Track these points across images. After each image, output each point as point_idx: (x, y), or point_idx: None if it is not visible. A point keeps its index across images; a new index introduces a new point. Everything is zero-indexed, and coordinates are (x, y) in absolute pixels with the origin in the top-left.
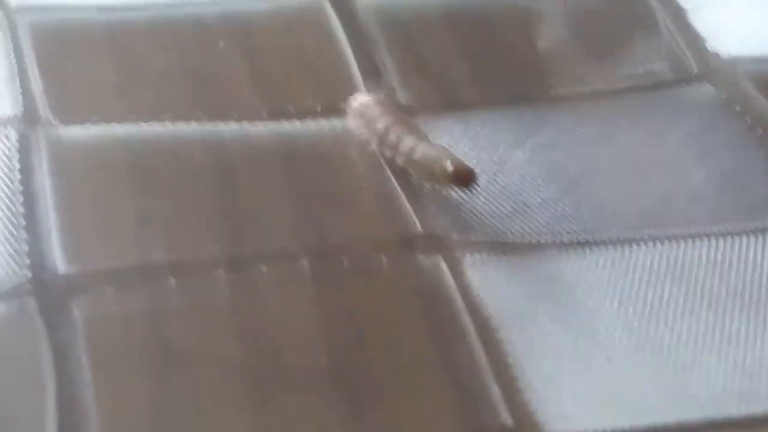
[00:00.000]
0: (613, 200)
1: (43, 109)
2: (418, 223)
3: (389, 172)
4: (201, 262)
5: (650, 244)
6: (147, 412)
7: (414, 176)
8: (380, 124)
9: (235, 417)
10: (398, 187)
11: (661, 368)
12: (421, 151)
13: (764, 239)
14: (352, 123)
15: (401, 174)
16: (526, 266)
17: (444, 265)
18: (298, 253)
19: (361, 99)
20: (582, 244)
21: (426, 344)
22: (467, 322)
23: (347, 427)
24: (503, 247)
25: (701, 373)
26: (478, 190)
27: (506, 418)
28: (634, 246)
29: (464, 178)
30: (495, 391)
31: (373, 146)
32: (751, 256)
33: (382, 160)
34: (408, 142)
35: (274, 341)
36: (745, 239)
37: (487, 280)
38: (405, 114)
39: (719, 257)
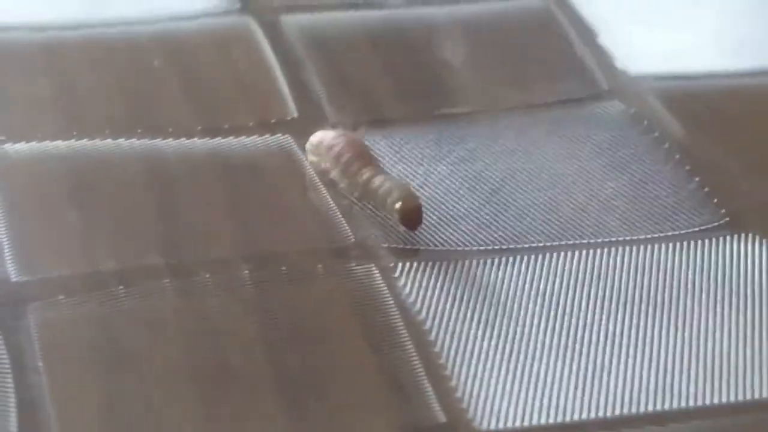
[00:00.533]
0: (532, 210)
1: None
2: (350, 233)
3: (322, 186)
4: (146, 270)
5: (568, 252)
6: (101, 413)
7: (372, 206)
8: (342, 158)
9: (185, 415)
10: (330, 200)
11: (583, 368)
12: (385, 186)
13: (673, 246)
14: (311, 158)
15: (332, 187)
16: (454, 273)
17: (377, 273)
18: (238, 261)
19: (321, 135)
20: (504, 251)
21: (362, 347)
22: (400, 325)
23: (292, 425)
24: (431, 255)
25: (619, 372)
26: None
27: (440, 416)
28: (554, 254)
29: (410, 218)
30: (428, 391)
31: (333, 177)
32: (661, 262)
33: (316, 177)
34: (367, 174)
35: (218, 344)
36: (656, 246)
37: (418, 287)
38: (364, 146)
39: (632, 263)
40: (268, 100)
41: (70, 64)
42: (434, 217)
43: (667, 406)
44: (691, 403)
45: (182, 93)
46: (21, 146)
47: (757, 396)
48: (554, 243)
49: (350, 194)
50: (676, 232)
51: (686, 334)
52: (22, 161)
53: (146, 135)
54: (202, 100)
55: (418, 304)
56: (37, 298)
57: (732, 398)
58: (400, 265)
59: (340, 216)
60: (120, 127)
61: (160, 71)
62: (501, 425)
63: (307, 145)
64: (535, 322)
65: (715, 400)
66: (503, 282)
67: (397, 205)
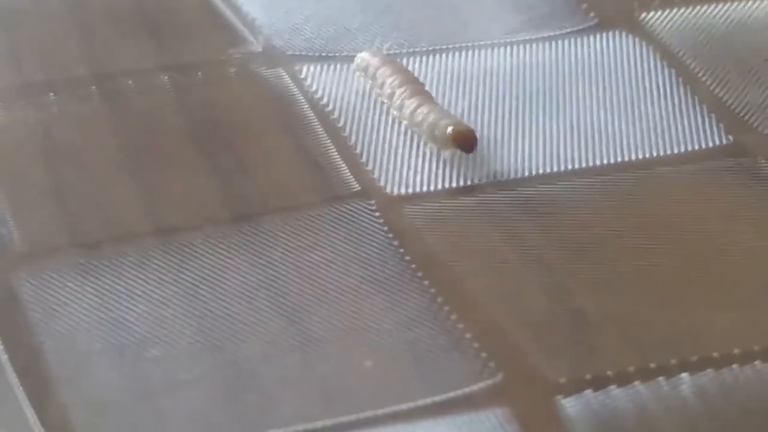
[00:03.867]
0: (421, 22)
1: None
2: (255, 42)
3: (218, 3)
4: (72, 79)
5: (458, 53)
6: (51, 192)
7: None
8: (386, 85)
9: (127, 191)
10: (232, 17)
11: (485, 139)
12: (423, 114)
13: (551, 45)
14: (358, 73)
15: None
16: (354, 73)
17: (285, 75)
18: (158, 69)
19: (365, 55)
20: (399, 55)
21: (280, 135)
22: (311, 116)
23: (223, 194)
24: (332, 59)
25: (512, 144)
26: (303, 17)
27: (355, 186)
28: (445, 55)
29: (464, 142)
30: (343, 167)
31: (384, 103)
32: (541, 59)
33: None
34: (412, 104)
35: (148, 137)
36: (535, 46)
37: (323, 84)
38: (409, 74)
39: (515, 62)
40: None
41: None
42: (331, 30)
43: (557, 169)
44: (577, 165)
45: None
46: None
47: (627, 158)
48: (443, 46)
49: (401, 121)
50: (552, 33)
51: (569, 114)
52: None
53: None
54: None
55: (325, 99)
56: None
57: (608, 160)
58: (305, 68)
59: (243, 28)
60: None
61: None
62: (409, 191)
63: (354, 64)
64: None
65: (596, 162)
66: None
67: (450, 129)
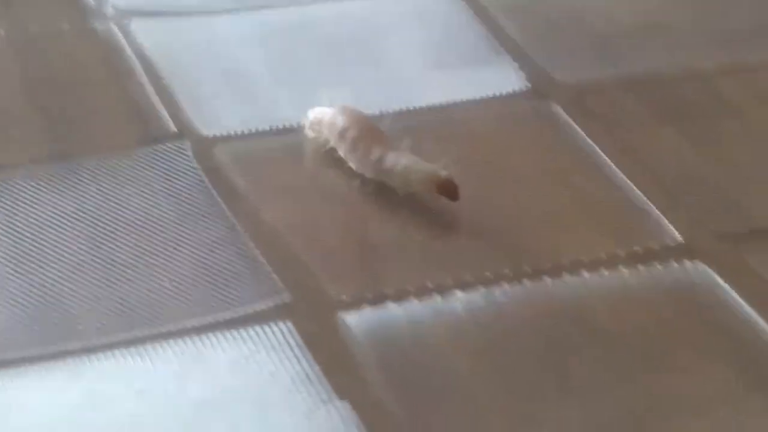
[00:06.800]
0: None
1: None
2: (91, 1)
3: None
4: None
5: (283, 9)
6: None
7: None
8: (347, 135)
9: None
10: None
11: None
12: (403, 164)
13: (370, 3)
14: (308, 132)
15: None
16: (182, 30)
17: (116, 29)
18: None
19: (320, 111)
20: (229, 11)
21: (106, 85)
22: (138, 67)
23: (46, 137)
24: (163, 14)
25: (322, 93)
26: None
27: (172, 128)
28: (267, 11)
29: (449, 191)
30: (163, 112)
31: (341, 155)
32: (359, 15)
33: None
34: (389, 156)
35: None
36: (355, 3)
37: (152, 39)
38: (368, 120)
39: (332, 16)
40: None
41: None
42: None
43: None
44: (383, 109)
45: None
46: None
47: (431, 103)
48: (264, 3)
49: (362, 173)
50: None
51: (379, 63)
52: None
53: None
54: None
55: (152, 51)
56: None
57: (413, 105)
58: (135, 22)
59: None
60: None
61: None
62: (223, 133)
63: (306, 121)
64: (257, 64)
65: (401, 107)
66: (229, 35)
67: (434, 183)
